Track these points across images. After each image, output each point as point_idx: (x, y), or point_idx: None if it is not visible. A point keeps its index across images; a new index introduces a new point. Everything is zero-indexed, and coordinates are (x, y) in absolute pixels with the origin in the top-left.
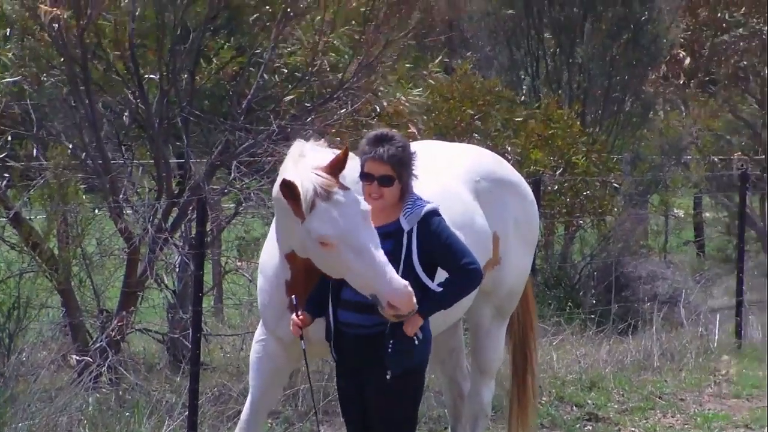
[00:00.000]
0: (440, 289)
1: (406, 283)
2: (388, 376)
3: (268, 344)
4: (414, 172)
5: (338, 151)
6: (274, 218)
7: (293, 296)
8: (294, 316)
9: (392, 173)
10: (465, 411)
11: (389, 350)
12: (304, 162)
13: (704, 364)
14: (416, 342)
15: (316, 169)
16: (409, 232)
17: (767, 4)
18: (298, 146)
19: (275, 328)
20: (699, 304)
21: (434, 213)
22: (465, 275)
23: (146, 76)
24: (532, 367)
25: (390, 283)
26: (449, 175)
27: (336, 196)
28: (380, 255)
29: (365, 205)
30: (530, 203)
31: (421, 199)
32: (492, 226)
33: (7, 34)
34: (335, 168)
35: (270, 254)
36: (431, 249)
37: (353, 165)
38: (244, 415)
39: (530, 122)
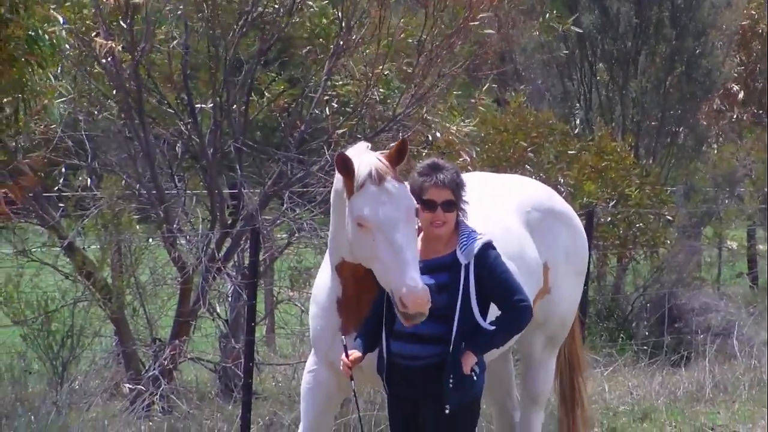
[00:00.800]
0: (492, 327)
1: (425, 287)
2: (447, 411)
3: (320, 373)
4: (465, 200)
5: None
6: (330, 230)
7: (343, 337)
8: (344, 356)
9: (453, 198)
10: None
11: (450, 385)
12: (368, 152)
13: (757, 396)
14: (475, 377)
15: (380, 155)
16: (467, 266)
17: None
18: (363, 144)
19: (327, 352)
20: (752, 337)
21: (490, 246)
22: (517, 313)
23: (199, 106)
24: (581, 397)
25: (408, 280)
26: (500, 205)
27: (387, 184)
28: (410, 253)
29: (412, 203)
30: (579, 234)
31: (474, 231)
32: (542, 255)
33: (62, 67)
34: (394, 158)
35: (322, 278)
36: (486, 283)
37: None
38: None
39: (583, 154)
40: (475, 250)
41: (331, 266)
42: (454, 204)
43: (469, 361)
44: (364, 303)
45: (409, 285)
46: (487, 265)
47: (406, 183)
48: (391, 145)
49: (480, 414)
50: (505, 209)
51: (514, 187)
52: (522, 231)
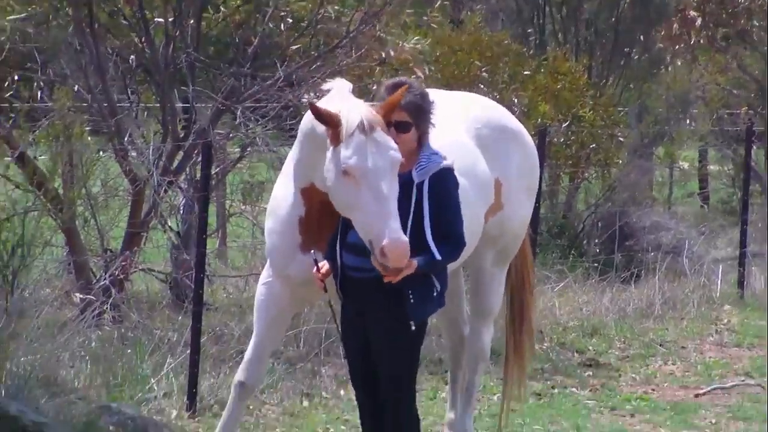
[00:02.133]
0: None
1: (406, 240)
2: (413, 327)
3: (274, 286)
4: (432, 122)
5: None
6: (292, 152)
7: (313, 251)
8: (315, 270)
9: (409, 119)
10: (465, 354)
11: (411, 300)
12: (354, 99)
13: (706, 313)
14: (435, 292)
15: (370, 105)
16: (420, 185)
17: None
18: (344, 84)
19: (285, 268)
20: (702, 255)
21: (450, 171)
22: (457, 249)
23: (154, 20)
24: (529, 313)
25: (391, 232)
26: (451, 121)
27: (376, 134)
28: (393, 205)
29: (398, 156)
30: (531, 152)
31: (437, 153)
32: (494, 172)
33: None
34: (389, 109)
35: (283, 193)
36: (437, 207)
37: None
38: (247, 355)
39: (537, 76)
40: (432, 171)
41: (296, 187)
42: (409, 125)
43: (410, 269)
44: (325, 224)
45: (392, 237)
46: (443, 190)
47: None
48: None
49: (428, 329)
50: (456, 125)
51: (466, 105)
52: (473, 147)
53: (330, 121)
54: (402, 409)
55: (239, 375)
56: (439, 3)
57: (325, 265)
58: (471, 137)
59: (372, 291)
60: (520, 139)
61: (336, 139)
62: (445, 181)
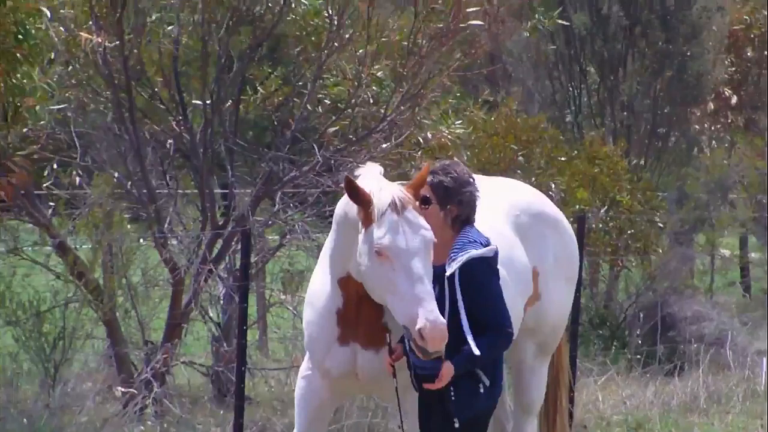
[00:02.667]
0: (475, 348)
1: (444, 322)
2: (456, 425)
3: (314, 379)
4: (468, 210)
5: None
6: (327, 242)
7: (387, 334)
8: (388, 353)
9: (431, 195)
10: None
11: (452, 398)
12: (386, 181)
13: (751, 407)
14: (481, 389)
15: (401, 185)
16: (451, 278)
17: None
18: (375, 167)
19: (324, 361)
20: (746, 346)
21: (480, 260)
22: (500, 340)
23: (193, 101)
24: (561, 408)
25: (427, 313)
26: (489, 208)
27: (408, 214)
28: (428, 285)
29: (431, 235)
30: (570, 239)
31: (474, 241)
32: (531, 260)
33: (52, 57)
34: (417, 187)
35: (320, 284)
36: (473, 300)
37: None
38: None
39: (574, 162)
40: (461, 262)
41: (332, 277)
42: (429, 200)
43: (445, 375)
44: (364, 316)
45: (429, 318)
46: (473, 281)
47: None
48: (413, 172)
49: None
50: (494, 212)
51: (504, 190)
52: (511, 235)
53: (362, 200)
54: None
55: None
56: (481, 99)
57: (398, 349)
58: (509, 224)
59: (429, 389)
60: (559, 227)
61: (368, 220)
62: (475, 272)
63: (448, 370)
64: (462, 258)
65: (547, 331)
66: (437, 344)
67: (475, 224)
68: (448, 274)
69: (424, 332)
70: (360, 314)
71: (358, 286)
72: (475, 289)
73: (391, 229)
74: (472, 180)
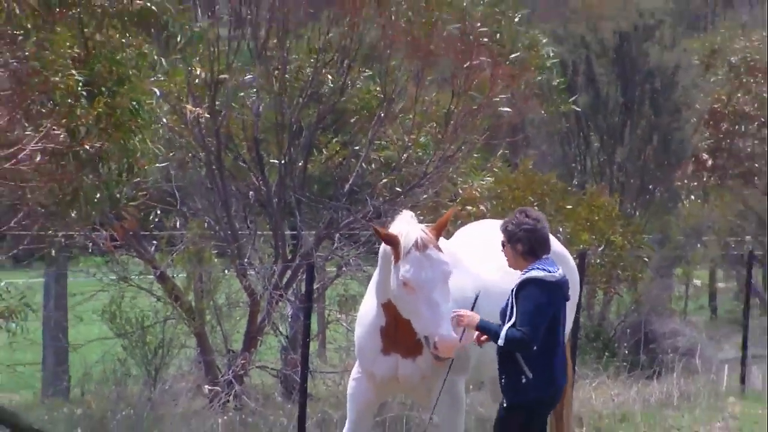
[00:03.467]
0: (503, 330)
1: (456, 338)
2: (504, 404)
3: (362, 382)
4: (529, 245)
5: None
6: (375, 274)
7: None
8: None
9: (503, 240)
10: None
11: (502, 383)
12: (415, 223)
13: (714, 404)
14: (524, 380)
15: (424, 227)
16: (513, 289)
17: None
18: (408, 213)
19: (370, 367)
20: (711, 356)
21: (531, 282)
22: (521, 338)
23: (270, 161)
24: (569, 404)
25: (442, 330)
26: None
27: (429, 251)
28: (444, 308)
29: (449, 270)
30: (573, 271)
31: (535, 269)
32: None
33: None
34: (439, 229)
35: (369, 307)
36: (517, 307)
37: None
38: None
39: (578, 209)
40: (520, 279)
41: (377, 302)
42: (503, 244)
43: (466, 318)
44: (401, 331)
45: (442, 334)
46: (520, 294)
47: (443, 251)
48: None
49: (536, 421)
50: None
51: None
52: None
53: (391, 240)
54: None
55: None
56: (500, 152)
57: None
58: None
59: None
60: (566, 262)
61: (397, 256)
62: (527, 286)
63: (472, 317)
64: (522, 276)
65: None
66: (447, 353)
67: (549, 256)
68: (512, 288)
69: (438, 345)
70: (398, 330)
71: (396, 309)
72: (520, 299)
73: (414, 264)
74: (531, 222)
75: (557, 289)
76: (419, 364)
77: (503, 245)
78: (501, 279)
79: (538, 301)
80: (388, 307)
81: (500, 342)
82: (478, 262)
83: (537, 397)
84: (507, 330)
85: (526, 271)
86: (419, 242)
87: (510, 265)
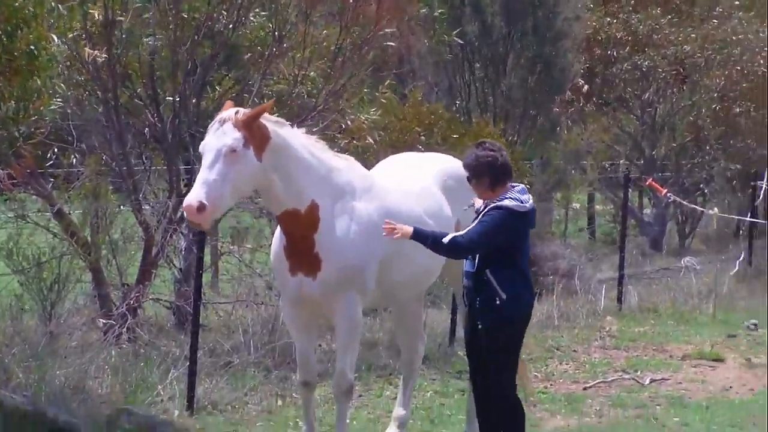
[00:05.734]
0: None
1: (189, 202)
2: (479, 326)
3: (284, 304)
4: (493, 175)
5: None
6: None
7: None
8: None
9: (468, 176)
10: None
11: (477, 305)
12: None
13: (593, 323)
14: (498, 301)
15: (241, 110)
16: (478, 211)
17: None
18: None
19: (283, 290)
20: (590, 277)
21: (495, 207)
22: (459, 244)
23: (165, 98)
24: None
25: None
26: (424, 174)
27: (222, 125)
28: (202, 175)
29: (231, 142)
30: None
31: (505, 198)
32: (455, 214)
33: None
34: (254, 114)
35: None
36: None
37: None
38: (297, 360)
39: (464, 138)
40: (488, 206)
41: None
42: (470, 179)
43: (394, 228)
44: (297, 246)
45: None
46: (484, 215)
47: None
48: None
49: (514, 337)
50: (428, 177)
51: (436, 161)
52: (440, 194)
53: None
54: (489, 395)
55: (298, 377)
56: (387, 82)
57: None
58: (438, 186)
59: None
60: None
61: None
62: (488, 213)
63: (405, 228)
64: (490, 204)
65: None
66: (191, 217)
67: (518, 184)
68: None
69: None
70: (295, 246)
71: (286, 221)
72: (479, 220)
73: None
74: (491, 153)
75: (523, 218)
76: (319, 282)
77: (469, 181)
78: (405, 203)
79: (494, 224)
80: (281, 219)
81: (444, 240)
82: (389, 190)
83: (512, 316)
84: (453, 235)
85: (499, 199)
86: (220, 117)
87: (480, 198)
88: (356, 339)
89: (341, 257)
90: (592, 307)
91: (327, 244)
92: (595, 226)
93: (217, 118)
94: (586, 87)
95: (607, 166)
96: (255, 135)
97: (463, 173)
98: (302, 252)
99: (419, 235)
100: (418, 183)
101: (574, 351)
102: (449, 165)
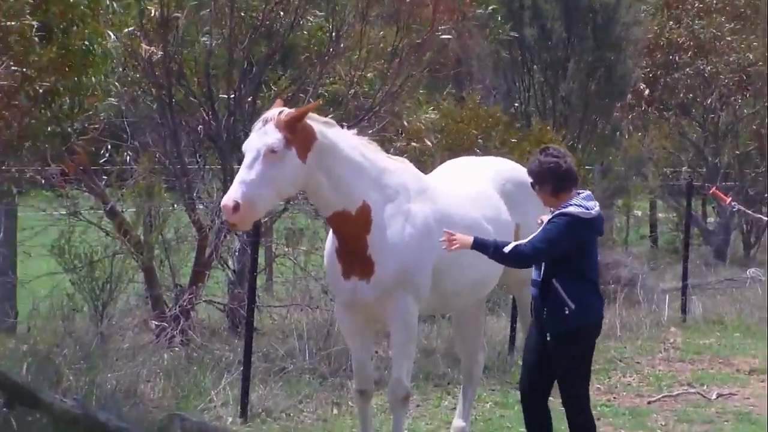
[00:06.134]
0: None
1: (227, 202)
2: (548, 338)
3: (338, 309)
4: (557, 182)
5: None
6: None
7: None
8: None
9: (532, 182)
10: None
11: (544, 315)
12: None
13: (656, 334)
14: (566, 311)
15: (286, 110)
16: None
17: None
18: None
19: (337, 294)
20: (653, 287)
21: (561, 214)
22: (523, 253)
23: (220, 96)
24: None
25: (228, 192)
26: (482, 179)
27: (266, 125)
28: (242, 174)
29: (273, 141)
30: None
31: (572, 205)
32: (514, 219)
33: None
34: (299, 113)
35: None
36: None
37: None
38: (354, 368)
39: (523, 143)
40: (555, 213)
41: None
42: (534, 185)
43: (453, 238)
44: (350, 248)
45: (227, 195)
46: (546, 225)
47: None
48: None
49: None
50: (485, 181)
51: (494, 165)
52: (498, 198)
53: None
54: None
55: (354, 385)
56: (446, 90)
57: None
58: (496, 190)
59: (535, 306)
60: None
61: None
62: (553, 219)
63: (464, 238)
64: (557, 211)
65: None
66: (229, 218)
67: (584, 191)
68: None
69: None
70: (347, 248)
71: (337, 223)
72: (544, 228)
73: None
74: (554, 160)
75: (588, 225)
76: (372, 285)
77: (533, 187)
78: (462, 207)
79: (558, 231)
80: (331, 221)
81: (506, 249)
82: (445, 193)
83: (581, 326)
84: (515, 243)
85: (564, 206)
86: (264, 117)
87: (546, 205)
88: (412, 345)
89: (395, 259)
90: (656, 317)
91: (380, 245)
92: (658, 234)
93: (261, 117)
94: (647, 91)
95: (668, 173)
96: (298, 135)
97: (523, 177)
98: (355, 254)
99: (480, 245)
100: (475, 187)
101: (638, 363)
102: (507, 168)
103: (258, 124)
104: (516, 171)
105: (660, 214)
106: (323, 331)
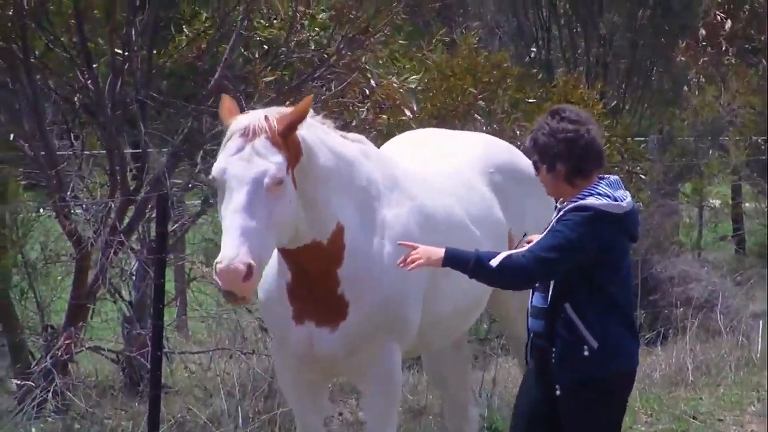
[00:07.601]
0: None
1: (236, 266)
2: (558, 392)
3: (280, 357)
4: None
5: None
6: None
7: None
8: None
9: (535, 159)
10: None
11: (553, 359)
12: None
13: (746, 378)
14: (585, 351)
15: (279, 111)
16: (552, 221)
17: None
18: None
19: (283, 342)
20: (739, 309)
21: (577, 209)
22: (520, 267)
23: (101, 47)
24: None
25: (224, 251)
26: (462, 164)
27: (255, 142)
28: (240, 219)
29: (267, 167)
30: (545, 197)
31: (594, 195)
32: (508, 222)
33: None
34: (294, 118)
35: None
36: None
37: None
38: None
39: (545, 106)
40: (565, 208)
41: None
42: (537, 166)
43: (414, 255)
44: (312, 285)
45: (224, 255)
46: (555, 227)
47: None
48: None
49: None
50: (464, 166)
51: (476, 143)
52: (486, 191)
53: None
54: None
55: None
56: (436, 38)
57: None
58: (485, 183)
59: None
60: (535, 184)
61: None
62: (564, 217)
63: (431, 251)
64: (570, 204)
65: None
66: (225, 283)
67: (610, 176)
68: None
69: (216, 269)
70: (308, 285)
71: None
72: (552, 230)
73: (225, 153)
74: (572, 127)
75: (619, 224)
76: (341, 334)
77: (536, 167)
78: (443, 202)
79: (574, 234)
80: (291, 256)
81: (494, 263)
82: (418, 182)
83: (606, 374)
84: (507, 253)
85: (580, 197)
86: (243, 126)
87: (551, 194)
88: (395, 410)
89: (375, 293)
90: (745, 354)
91: (355, 278)
92: (745, 234)
93: (238, 126)
94: (728, 23)
95: (761, 143)
96: (292, 152)
97: (519, 164)
98: (319, 294)
99: (455, 260)
100: (454, 172)
101: (720, 421)
102: (495, 151)
103: (236, 140)
104: (507, 154)
105: (747, 204)
106: (262, 387)
